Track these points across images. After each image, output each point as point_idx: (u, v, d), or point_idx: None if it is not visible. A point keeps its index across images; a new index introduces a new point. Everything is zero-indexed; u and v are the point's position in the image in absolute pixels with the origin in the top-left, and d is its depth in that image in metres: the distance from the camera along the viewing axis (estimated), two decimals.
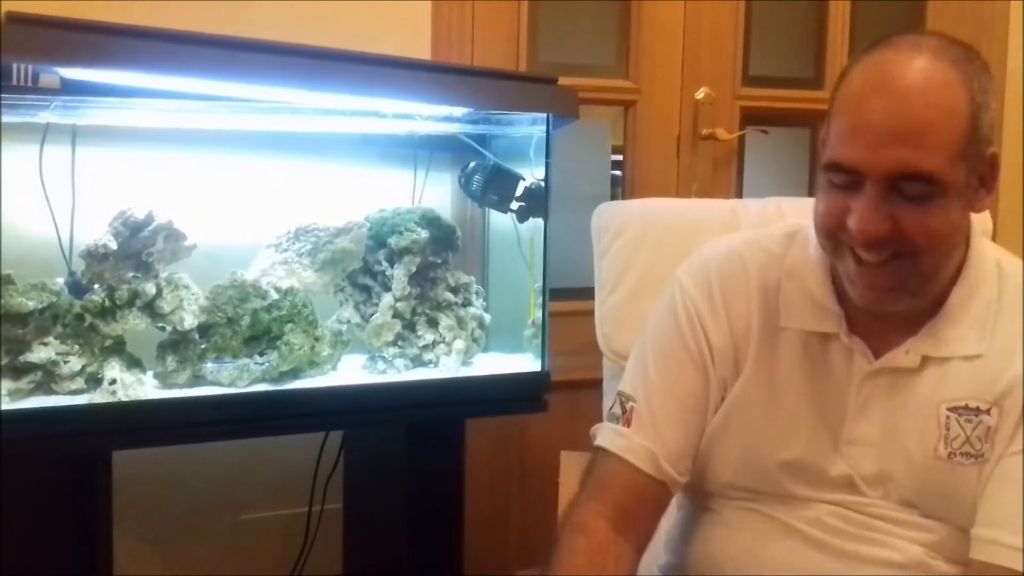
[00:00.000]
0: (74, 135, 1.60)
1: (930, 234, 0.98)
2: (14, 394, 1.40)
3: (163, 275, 1.54)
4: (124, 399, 1.44)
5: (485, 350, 1.84)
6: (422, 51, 2.06)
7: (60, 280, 1.51)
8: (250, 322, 1.57)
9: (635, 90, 2.32)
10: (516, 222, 1.81)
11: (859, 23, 2.47)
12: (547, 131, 1.69)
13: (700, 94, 2.35)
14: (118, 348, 1.51)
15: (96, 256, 1.47)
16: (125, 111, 1.56)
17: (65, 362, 1.44)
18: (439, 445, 1.74)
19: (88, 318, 1.47)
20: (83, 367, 1.46)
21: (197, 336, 1.55)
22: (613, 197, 2.37)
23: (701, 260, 1.22)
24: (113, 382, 1.44)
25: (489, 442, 2.23)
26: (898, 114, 0.95)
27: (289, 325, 1.60)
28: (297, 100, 1.60)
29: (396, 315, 1.70)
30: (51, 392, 1.44)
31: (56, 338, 1.45)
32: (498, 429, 2.24)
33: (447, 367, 1.71)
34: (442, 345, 1.74)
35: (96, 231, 1.49)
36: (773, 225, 1.28)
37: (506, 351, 1.87)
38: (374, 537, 1.91)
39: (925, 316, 1.09)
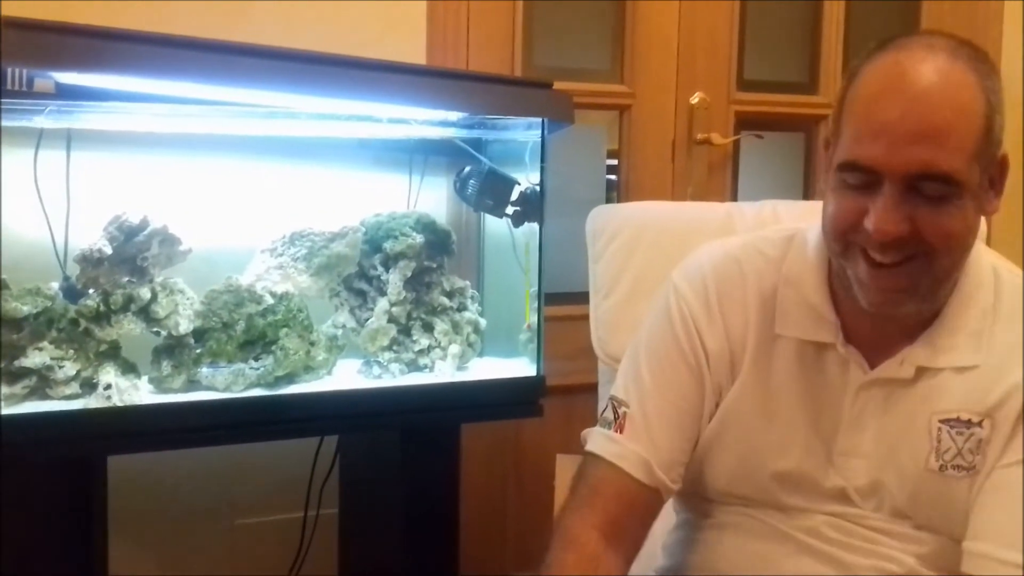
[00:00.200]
0: (69, 139, 1.60)
1: (947, 235, 0.97)
2: (9, 399, 1.40)
3: (158, 280, 1.54)
4: (119, 404, 1.43)
5: (480, 355, 1.84)
6: (417, 55, 2.06)
7: (55, 285, 1.50)
8: (245, 327, 1.57)
9: (630, 94, 2.33)
10: (511, 227, 1.81)
11: (853, 28, 2.48)
12: (542, 135, 1.70)
13: (695, 99, 2.36)
14: (113, 353, 1.51)
15: (91, 261, 1.47)
16: (120, 115, 1.55)
17: (60, 367, 1.44)
18: (435, 450, 1.74)
19: (83, 323, 1.47)
20: (78, 372, 1.45)
21: (192, 341, 1.55)
22: (608, 201, 2.37)
23: (697, 263, 1.19)
24: (108, 387, 1.44)
25: (485, 446, 2.23)
26: (919, 114, 0.94)
27: (284, 330, 1.59)
28: (292, 104, 1.59)
29: (391, 320, 1.70)
30: (46, 397, 1.44)
31: (51, 343, 1.45)
32: (494, 433, 2.24)
33: (442, 372, 1.71)
34: (437, 350, 1.74)
35: (91, 236, 1.49)
36: (770, 228, 1.26)
37: (501, 356, 1.87)
38: (370, 542, 1.90)
39: (921, 326, 1.08)
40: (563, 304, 2.07)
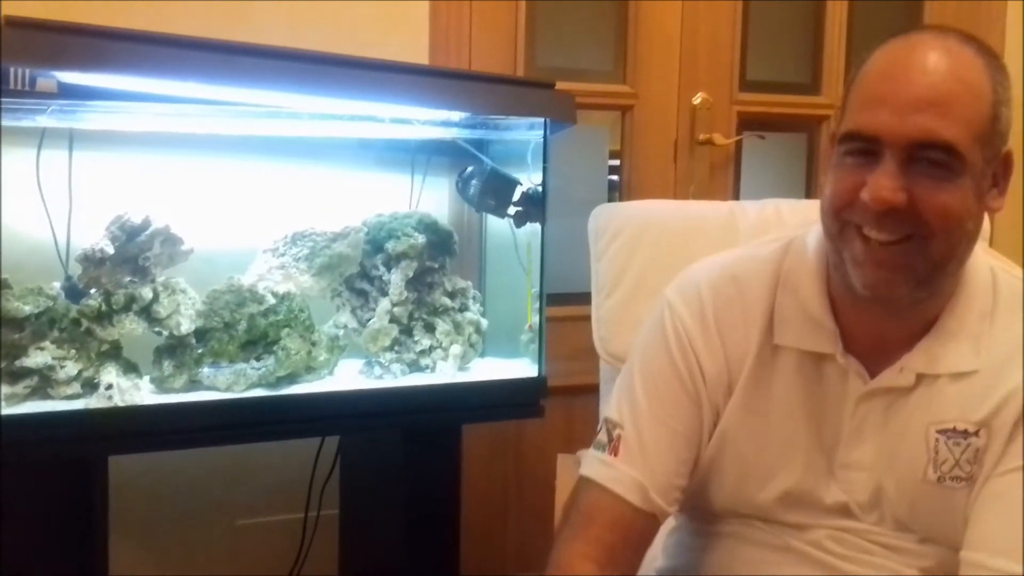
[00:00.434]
0: (71, 139, 1.60)
1: (945, 213, 0.95)
2: (10, 399, 1.40)
3: (160, 279, 1.54)
4: (120, 404, 1.43)
5: (482, 355, 1.84)
6: (420, 55, 2.06)
7: (57, 284, 1.50)
8: (247, 327, 1.57)
9: (632, 95, 2.32)
10: (513, 227, 1.81)
11: (855, 28, 2.48)
12: (544, 136, 1.70)
13: (697, 99, 2.36)
14: (114, 353, 1.51)
15: (93, 260, 1.47)
16: (122, 115, 1.56)
17: (61, 367, 1.44)
18: (436, 450, 1.73)
19: (84, 323, 1.47)
20: (79, 372, 1.45)
21: (194, 341, 1.55)
22: (610, 201, 2.37)
23: (692, 282, 1.15)
24: (109, 387, 1.44)
25: (486, 447, 2.23)
26: (924, 83, 0.94)
27: (286, 330, 1.59)
28: (295, 104, 1.60)
29: (393, 320, 1.70)
30: (47, 397, 1.44)
31: (52, 343, 1.45)
32: (495, 434, 2.24)
33: (444, 372, 1.71)
34: (439, 350, 1.74)
35: (93, 235, 1.49)
36: (765, 237, 1.23)
37: (503, 356, 1.87)
38: (370, 542, 1.90)
39: (920, 332, 1.06)
40: (564, 305, 2.07)
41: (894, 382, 1.06)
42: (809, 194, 2.53)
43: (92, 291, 1.49)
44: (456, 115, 1.72)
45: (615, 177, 2.39)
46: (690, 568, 1.21)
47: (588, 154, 2.38)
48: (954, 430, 1.04)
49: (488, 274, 2.02)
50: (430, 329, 1.74)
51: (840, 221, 1.01)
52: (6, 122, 1.42)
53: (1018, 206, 2.42)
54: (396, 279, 1.70)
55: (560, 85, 1.70)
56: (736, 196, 2.46)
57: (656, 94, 2.34)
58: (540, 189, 1.73)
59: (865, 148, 0.97)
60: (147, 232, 1.51)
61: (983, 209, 1.01)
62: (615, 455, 1.10)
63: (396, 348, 1.71)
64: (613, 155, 2.39)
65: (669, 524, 1.27)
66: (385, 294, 1.71)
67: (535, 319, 1.77)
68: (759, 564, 1.12)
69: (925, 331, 1.06)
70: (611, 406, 1.15)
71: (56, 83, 1.39)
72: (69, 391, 1.44)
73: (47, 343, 1.44)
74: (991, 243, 1.54)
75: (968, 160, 0.95)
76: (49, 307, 1.45)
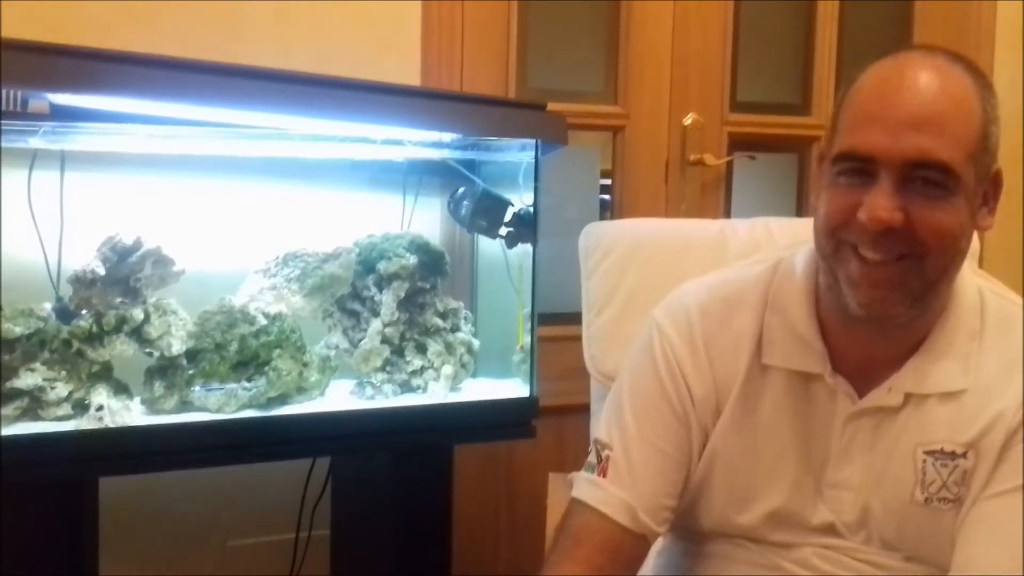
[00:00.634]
0: (63, 160, 1.60)
1: (940, 232, 0.96)
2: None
3: (151, 301, 1.53)
4: (111, 425, 1.43)
5: (473, 375, 1.84)
6: (412, 76, 2.07)
7: (48, 306, 1.50)
8: (238, 348, 1.57)
9: (623, 115, 2.33)
10: (505, 248, 1.81)
11: (846, 49, 2.49)
12: (536, 157, 1.70)
13: (688, 120, 2.37)
14: (105, 374, 1.50)
15: (84, 282, 1.47)
16: (114, 137, 1.56)
17: (52, 388, 1.44)
18: (427, 471, 1.73)
19: (75, 344, 1.47)
20: (70, 393, 1.45)
21: (185, 362, 1.55)
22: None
23: (681, 304, 1.16)
24: (100, 408, 1.43)
25: (477, 467, 2.23)
26: (917, 102, 0.95)
27: (277, 351, 1.59)
28: (286, 126, 1.60)
29: (384, 341, 1.70)
30: (38, 418, 1.44)
31: (43, 364, 1.45)
32: (486, 454, 2.24)
33: (435, 393, 1.71)
34: (430, 371, 1.74)
35: (84, 257, 1.49)
36: (753, 257, 1.24)
37: (494, 376, 1.87)
38: (362, 563, 1.90)
39: (908, 352, 1.06)
40: (556, 324, 2.07)
41: (882, 402, 1.07)
42: (800, 213, 2.54)
43: (83, 312, 1.49)
44: (448, 136, 1.73)
45: (607, 197, 2.40)
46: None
47: (579, 175, 2.39)
48: (942, 451, 1.04)
49: (480, 295, 2.02)
50: (422, 350, 1.74)
51: (835, 241, 1.01)
52: None
53: (1018, 217, 2.44)
54: (388, 300, 1.70)
55: (551, 106, 1.70)
56: (727, 215, 2.46)
57: (647, 115, 2.35)
58: (531, 210, 1.74)
59: (859, 168, 0.97)
60: (138, 253, 1.51)
61: (973, 227, 1.02)
62: (604, 476, 1.10)
63: (388, 369, 1.71)
64: (604, 175, 2.40)
65: (658, 544, 1.26)
66: (377, 315, 1.71)
67: (526, 339, 1.77)
68: None
69: (913, 351, 1.07)
70: (600, 427, 1.15)
71: (48, 104, 1.40)
72: (60, 412, 1.44)
73: (38, 364, 1.44)
74: (980, 262, 1.55)
75: (962, 179, 0.96)
76: (40, 328, 1.45)
